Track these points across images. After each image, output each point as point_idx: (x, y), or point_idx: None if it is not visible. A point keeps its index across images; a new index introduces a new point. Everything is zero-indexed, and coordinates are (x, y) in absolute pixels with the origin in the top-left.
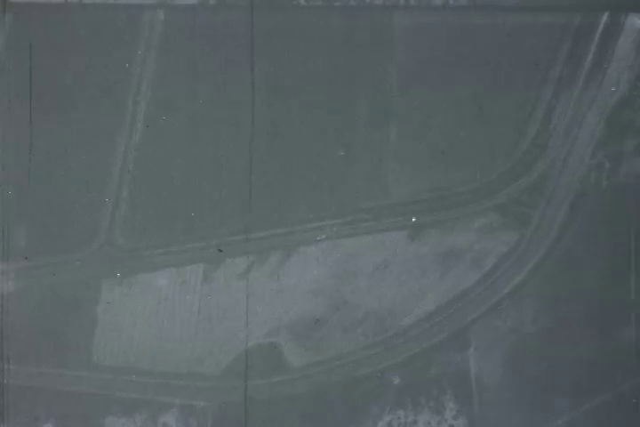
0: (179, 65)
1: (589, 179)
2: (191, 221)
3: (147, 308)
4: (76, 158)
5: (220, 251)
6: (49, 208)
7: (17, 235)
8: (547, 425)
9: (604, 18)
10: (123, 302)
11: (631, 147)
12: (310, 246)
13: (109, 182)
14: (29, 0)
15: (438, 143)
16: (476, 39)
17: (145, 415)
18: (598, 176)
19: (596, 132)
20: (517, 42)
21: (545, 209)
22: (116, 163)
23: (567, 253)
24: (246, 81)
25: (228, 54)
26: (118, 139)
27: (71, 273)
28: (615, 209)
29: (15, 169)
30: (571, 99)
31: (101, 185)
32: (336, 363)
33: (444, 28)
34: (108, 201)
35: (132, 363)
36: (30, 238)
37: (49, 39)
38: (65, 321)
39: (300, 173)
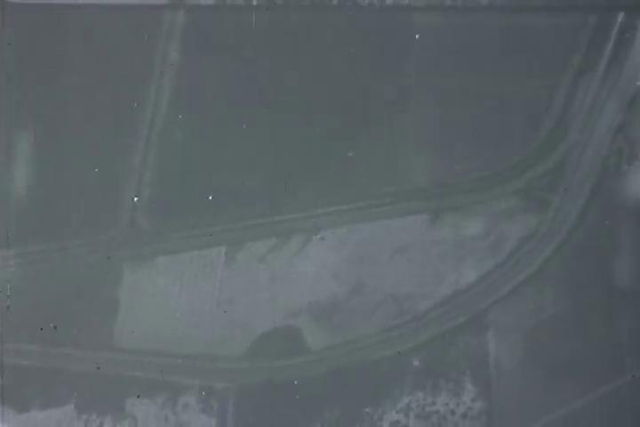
0: (202, 53)
1: (609, 164)
2: (213, 204)
3: (168, 290)
4: (99, 143)
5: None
6: (72, 192)
7: (40, 218)
8: (564, 408)
9: (620, 17)
10: (145, 284)
11: None
12: (330, 230)
13: (132, 166)
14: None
15: (459, 129)
16: (497, 34)
17: (166, 396)
18: (618, 161)
19: (615, 119)
20: (538, 36)
21: (564, 194)
22: (139, 147)
23: (586, 237)
24: (268, 72)
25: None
26: (141, 123)
27: (94, 256)
28: (634, 194)
29: (39, 154)
30: (590, 86)
31: (124, 169)
32: (355, 346)
33: (468, 25)
34: (131, 187)
35: (153, 344)
36: (53, 222)
37: (63, 37)
38: (87, 303)
39: (321, 158)
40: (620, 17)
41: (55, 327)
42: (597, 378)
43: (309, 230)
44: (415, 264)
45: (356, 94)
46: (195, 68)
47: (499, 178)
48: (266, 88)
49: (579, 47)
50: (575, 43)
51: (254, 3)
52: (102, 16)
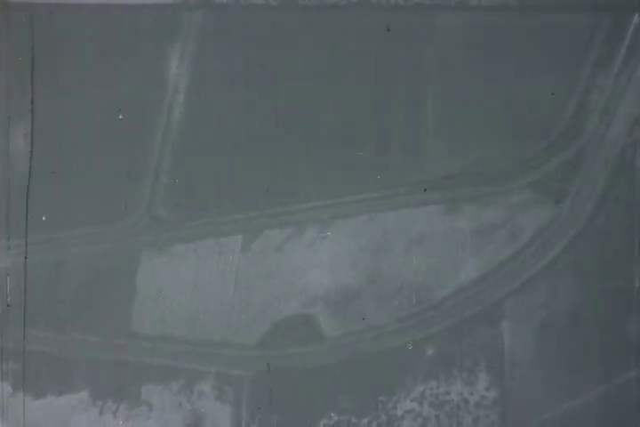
0: (219, 52)
1: (625, 157)
2: (230, 192)
3: (185, 278)
4: (117, 131)
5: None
6: (90, 180)
7: (56, 206)
8: (578, 398)
9: (636, 18)
10: (161, 272)
11: None
12: (347, 219)
13: (150, 154)
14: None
15: (476, 120)
16: (516, 30)
17: (181, 383)
18: (634, 154)
19: (632, 111)
20: (556, 32)
21: (580, 186)
22: (157, 135)
23: (602, 229)
24: (285, 70)
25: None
26: (159, 112)
27: (111, 244)
28: None
29: (56, 142)
30: (608, 78)
31: (142, 157)
32: (371, 334)
33: (487, 21)
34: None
35: (169, 332)
36: (71, 210)
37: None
38: (105, 291)
39: (337, 148)
40: (637, 16)
41: (72, 314)
42: (612, 369)
43: (326, 220)
44: (432, 254)
45: (373, 87)
46: (211, 66)
47: (516, 169)
48: (283, 84)
49: (597, 44)
50: (592, 40)
51: (273, 3)
52: (114, 16)
